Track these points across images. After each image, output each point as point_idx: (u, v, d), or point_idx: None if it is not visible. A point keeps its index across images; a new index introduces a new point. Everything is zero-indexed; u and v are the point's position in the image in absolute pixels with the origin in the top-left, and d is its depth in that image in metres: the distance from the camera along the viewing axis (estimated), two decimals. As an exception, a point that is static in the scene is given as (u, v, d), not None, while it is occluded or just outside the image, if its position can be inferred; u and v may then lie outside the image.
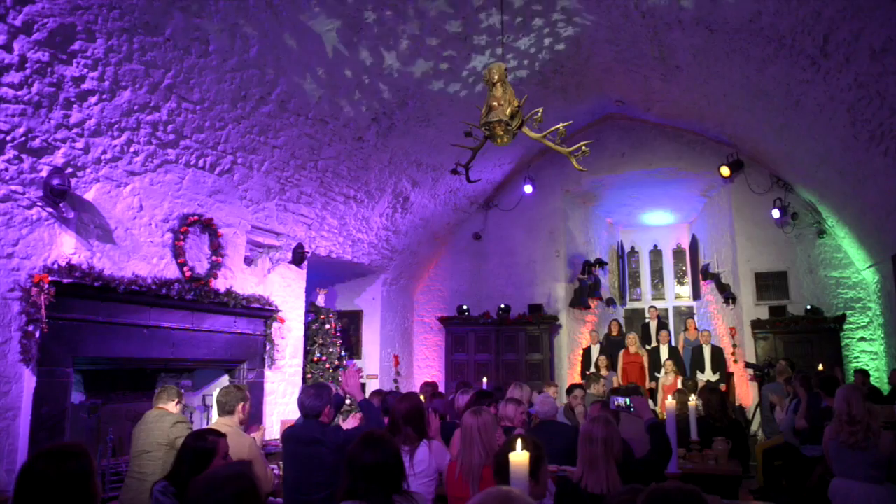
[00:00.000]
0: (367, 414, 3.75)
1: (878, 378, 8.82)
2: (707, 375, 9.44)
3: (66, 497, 1.94)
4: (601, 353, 10.15)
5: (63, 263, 5.10)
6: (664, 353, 9.75)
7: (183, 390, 5.37)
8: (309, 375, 8.39)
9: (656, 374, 9.60)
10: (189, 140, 6.02)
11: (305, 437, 3.51)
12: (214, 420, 4.43)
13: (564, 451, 4.22)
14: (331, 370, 8.69)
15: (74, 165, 5.19)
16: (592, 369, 9.90)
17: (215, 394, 5.43)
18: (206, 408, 6.86)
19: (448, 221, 11.15)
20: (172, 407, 4.54)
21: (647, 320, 11.39)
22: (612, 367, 9.87)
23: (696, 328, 10.43)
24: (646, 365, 9.84)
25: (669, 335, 10.21)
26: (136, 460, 4.22)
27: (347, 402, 6.42)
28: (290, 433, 3.62)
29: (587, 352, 10.63)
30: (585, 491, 3.03)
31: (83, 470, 1.99)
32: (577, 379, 10.39)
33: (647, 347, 10.27)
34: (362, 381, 9.68)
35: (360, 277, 10.67)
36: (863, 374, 7.86)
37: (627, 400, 4.34)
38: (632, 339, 10.00)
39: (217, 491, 1.85)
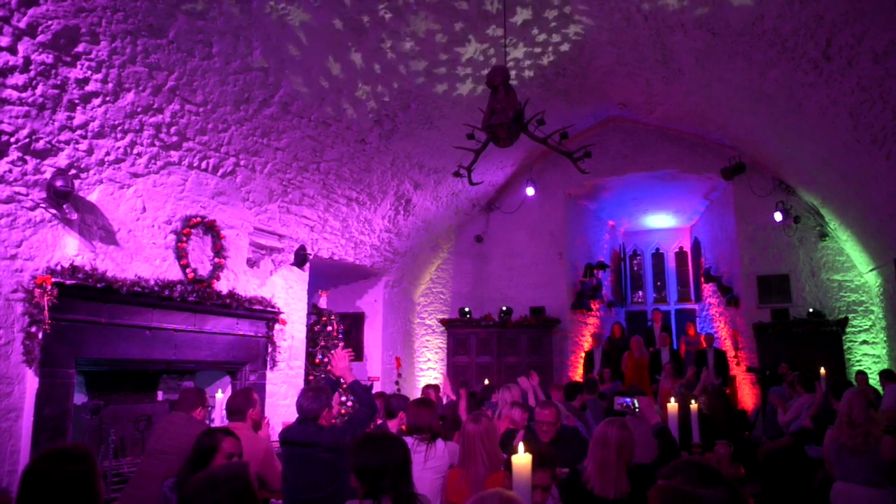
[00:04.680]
0: (358, 397, 3.74)
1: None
2: (709, 379, 9.43)
3: (70, 499, 1.93)
4: (603, 356, 10.13)
5: (66, 265, 5.11)
6: (665, 356, 9.73)
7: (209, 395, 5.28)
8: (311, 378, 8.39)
9: (657, 377, 9.59)
10: (192, 142, 6.03)
11: (301, 440, 3.52)
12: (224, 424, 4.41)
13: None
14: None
15: (78, 167, 5.21)
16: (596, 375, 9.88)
17: (217, 395, 5.44)
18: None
19: (450, 224, 11.15)
20: (199, 413, 4.44)
21: (649, 323, 11.39)
22: (613, 372, 9.81)
23: (697, 331, 10.42)
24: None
25: (671, 338, 10.19)
26: (150, 458, 4.19)
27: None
28: (286, 436, 3.63)
29: (589, 354, 10.62)
30: (593, 493, 3.03)
31: (87, 471, 1.98)
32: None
33: (650, 350, 10.25)
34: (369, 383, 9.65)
35: (362, 279, 10.67)
36: (863, 375, 7.85)
37: (636, 401, 4.14)
38: (636, 343, 9.92)
39: (212, 492, 1.82)
